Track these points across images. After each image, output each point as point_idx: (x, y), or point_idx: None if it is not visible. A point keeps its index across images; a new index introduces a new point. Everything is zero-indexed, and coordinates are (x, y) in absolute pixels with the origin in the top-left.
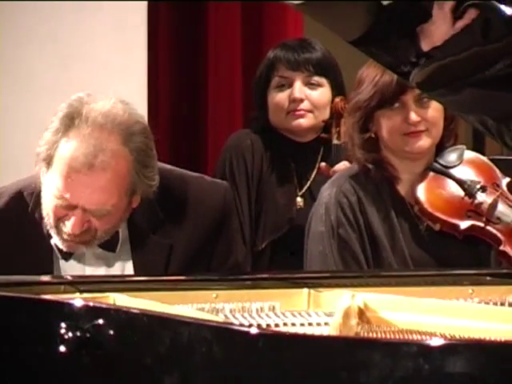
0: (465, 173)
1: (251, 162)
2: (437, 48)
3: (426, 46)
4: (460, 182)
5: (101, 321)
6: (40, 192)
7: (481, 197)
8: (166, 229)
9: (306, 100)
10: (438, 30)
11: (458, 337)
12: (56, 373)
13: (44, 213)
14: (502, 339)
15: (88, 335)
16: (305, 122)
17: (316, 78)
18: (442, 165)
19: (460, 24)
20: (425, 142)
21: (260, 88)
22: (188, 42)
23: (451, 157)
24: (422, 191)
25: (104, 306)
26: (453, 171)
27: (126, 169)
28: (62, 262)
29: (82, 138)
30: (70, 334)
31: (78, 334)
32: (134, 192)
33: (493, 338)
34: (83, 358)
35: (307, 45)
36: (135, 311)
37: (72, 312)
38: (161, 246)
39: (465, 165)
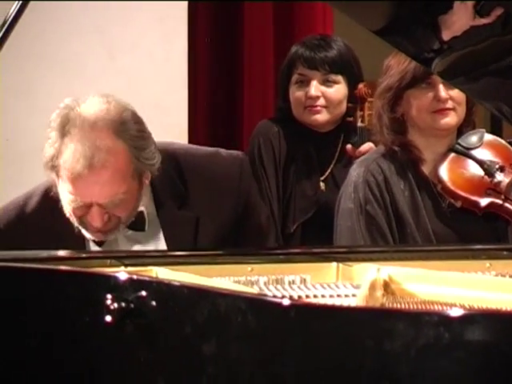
0: (484, 154)
1: (278, 148)
2: (457, 38)
3: (446, 36)
4: (480, 163)
5: (144, 292)
6: None
7: (499, 176)
8: (190, 203)
9: (322, 97)
10: (459, 21)
11: (476, 307)
12: (102, 340)
13: (67, 214)
14: None
15: (132, 306)
16: (321, 117)
17: (332, 76)
18: (463, 146)
19: (484, 21)
20: (452, 120)
21: (283, 82)
22: (225, 36)
23: (472, 139)
24: (444, 171)
25: (147, 278)
26: (473, 152)
27: (124, 159)
28: (95, 248)
29: (77, 142)
30: (116, 305)
31: (123, 304)
32: (141, 174)
33: (509, 309)
34: (127, 327)
35: (325, 43)
36: (176, 283)
37: (117, 284)
38: (187, 219)
39: (484, 147)
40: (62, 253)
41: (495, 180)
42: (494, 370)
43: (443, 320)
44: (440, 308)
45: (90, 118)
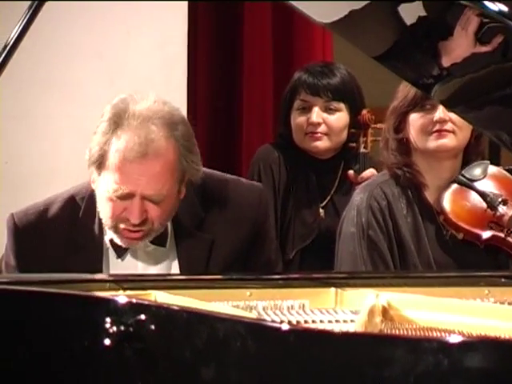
0: (488, 186)
1: (278, 173)
2: (457, 64)
3: (446, 63)
4: (483, 195)
5: (143, 316)
6: (91, 196)
7: (502, 209)
8: (207, 225)
9: (324, 124)
10: (459, 47)
11: (474, 334)
12: (100, 364)
13: (101, 215)
14: None
15: (131, 329)
16: (321, 144)
17: (334, 104)
18: (466, 178)
19: (484, 48)
20: (450, 142)
21: (284, 108)
22: (224, 60)
23: (476, 171)
24: (447, 202)
25: (146, 302)
26: (477, 184)
27: (174, 155)
28: (115, 262)
29: (132, 132)
30: (115, 329)
31: (122, 328)
32: (183, 180)
33: (507, 336)
34: (126, 351)
35: (329, 70)
36: (175, 308)
37: (116, 308)
38: (203, 241)
39: (488, 179)
40: (62, 276)
41: (498, 213)
42: None
43: (442, 347)
44: (439, 334)
45: (146, 113)
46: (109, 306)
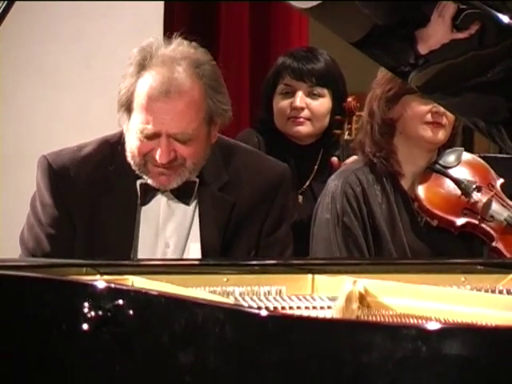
0: (462, 173)
1: None
2: (434, 51)
3: (423, 50)
4: (457, 182)
5: (121, 301)
6: (125, 142)
7: (476, 196)
8: (230, 189)
9: (307, 109)
10: (436, 34)
11: (451, 321)
12: (78, 349)
13: (129, 156)
14: (493, 324)
15: (109, 314)
16: (303, 129)
17: (318, 89)
18: (441, 165)
19: (462, 35)
20: (442, 135)
21: (267, 92)
22: (201, 38)
23: (450, 158)
24: (421, 189)
25: (124, 287)
26: (451, 171)
27: (199, 93)
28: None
29: (156, 72)
30: (93, 313)
31: (100, 313)
32: (212, 120)
33: (483, 323)
34: (104, 336)
35: (313, 56)
36: (153, 293)
37: (95, 293)
38: (225, 202)
39: (462, 166)
40: (38, 260)
41: (472, 200)
42: None
43: (421, 333)
44: (415, 321)
45: (170, 54)
46: (87, 291)
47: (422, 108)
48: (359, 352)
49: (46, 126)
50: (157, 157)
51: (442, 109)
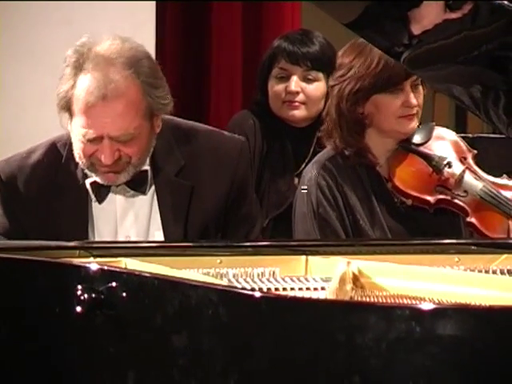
0: (434, 148)
1: (253, 141)
2: (428, 32)
3: (416, 30)
4: (428, 159)
5: (114, 283)
6: (71, 142)
7: (447, 172)
8: (187, 173)
9: (302, 93)
10: (429, 15)
11: (445, 301)
12: (72, 331)
13: (76, 157)
14: (486, 304)
15: (102, 297)
16: (298, 113)
17: (313, 73)
18: (411, 143)
19: (454, 15)
20: (416, 123)
21: (262, 75)
22: (193, 34)
23: (420, 134)
24: (393, 169)
25: (117, 269)
26: (422, 148)
27: (137, 93)
28: (95, 206)
29: (91, 75)
30: (86, 296)
31: (93, 295)
32: (153, 115)
33: (477, 303)
34: (97, 318)
35: (308, 39)
36: (146, 275)
37: (88, 275)
38: (183, 188)
39: (433, 141)
40: (31, 243)
41: (443, 177)
42: (466, 365)
43: (415, 314)
44: (409, 302)
45: (105, 53)
46: (80, 273)
47: (393, 103)
48: (353, 333)
49: (37, 110)
50: (102, 159)
51: (412, 100)
